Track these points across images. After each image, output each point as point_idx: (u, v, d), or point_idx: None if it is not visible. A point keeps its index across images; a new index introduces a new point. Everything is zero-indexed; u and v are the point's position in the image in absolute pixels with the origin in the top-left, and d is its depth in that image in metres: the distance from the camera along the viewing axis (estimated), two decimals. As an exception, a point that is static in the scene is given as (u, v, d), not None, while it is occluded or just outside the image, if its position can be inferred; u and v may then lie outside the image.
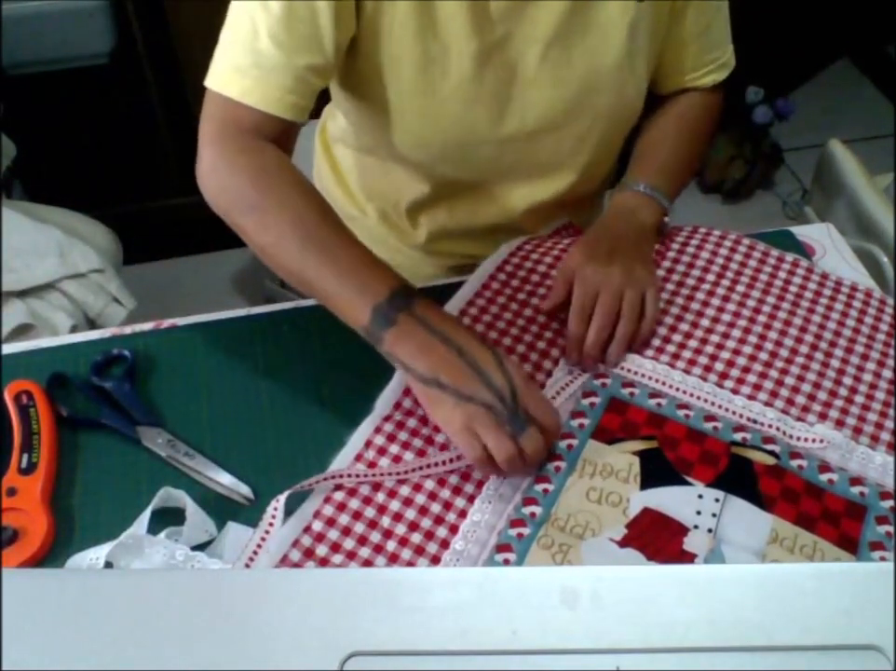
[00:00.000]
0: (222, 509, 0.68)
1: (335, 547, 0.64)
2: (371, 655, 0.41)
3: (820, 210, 1.41)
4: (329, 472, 0.68)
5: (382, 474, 0.68)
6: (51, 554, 0.65)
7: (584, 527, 0.65)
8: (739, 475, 0.69)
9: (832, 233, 0.94)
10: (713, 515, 0.66)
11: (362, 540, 0.65)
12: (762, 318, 0.81)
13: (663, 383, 0.75)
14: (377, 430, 0.71)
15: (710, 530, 0.65)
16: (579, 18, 0.79)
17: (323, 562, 0.63)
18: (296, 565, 0.63)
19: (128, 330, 0.83)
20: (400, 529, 0.65)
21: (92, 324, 1.28)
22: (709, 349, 0.78)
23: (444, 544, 0.65)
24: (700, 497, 0.67)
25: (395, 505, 0.67)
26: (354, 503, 0.67)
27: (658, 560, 0.63)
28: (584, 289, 0.78)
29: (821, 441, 0.71)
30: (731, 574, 0.46)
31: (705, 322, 0.80)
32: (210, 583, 0.46)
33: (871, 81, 2.56)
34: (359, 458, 0.69)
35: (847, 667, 0.41)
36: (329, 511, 0.66)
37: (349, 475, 0.68)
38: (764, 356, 0.78)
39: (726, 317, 0.81)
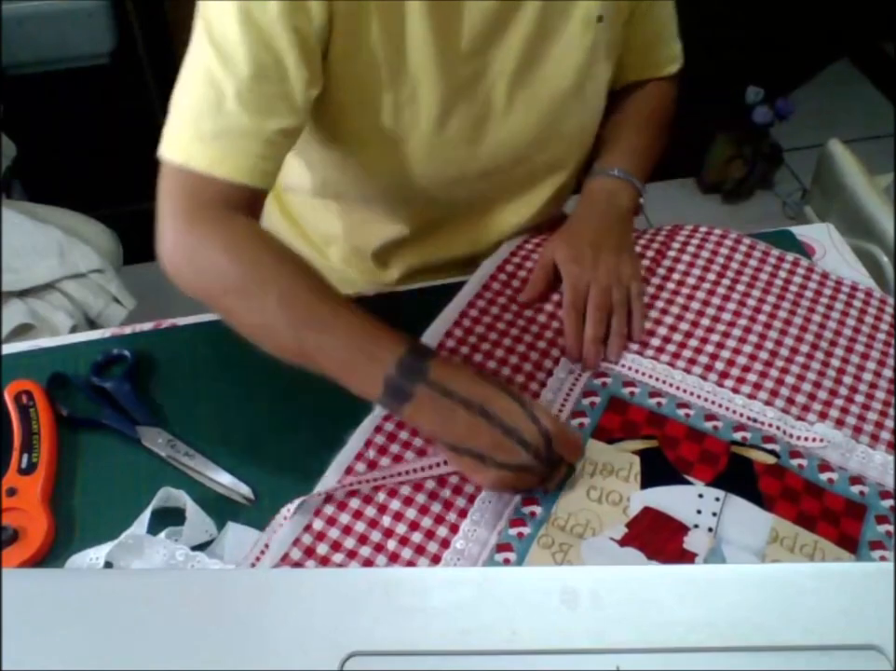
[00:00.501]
0: (222, 509, 0.68)
1: (336, 546, 0.64)
2: (371, 655, 0.41)
3: (820, 210, 1.41)
4: (337, 485, 0.67)
5: (384, 478, 0.68)
6: (51, 554, 0.65)
7: (584, 527, 0.65)
8: (740, 474, 0.69)
9: (832, 233, 0.94)
10: (714, 514, 0.66)
11: (363, 539, 0.65)
12: (762, 317, 0.81)
13: (663, 382, 0.76)
14: (378, 429, 0.71)
15: (710, 529, 0.65)
16: (540, 46, 0.78)
17: (324, 561, 0.63)
18: (297, 563, 0.63)
19: (128, 330, 0.83)
20: (401, 529, 0.65)
21: (92, 324, 1.28)
22: (709, 348, 0.78)
23: (445, 544, 0.65)
24: (701, 496, 0.67)
25: (395, 504, 0.67)
26: (355, 502, 0.67)
27: (658, 559, 0.63)
28: (574, 287, 0.79)
29: (822, 440, 0.71)
30: (731, 574, 0.46)
31: (705, 322, 0.80)
32: (211, 583, 0.46)
33: (871, 81, 2.56)
34: (359, 457, 0.69)
35: (847, 667, 0.41)
36: (330, 510, 0.66)
37: (359, 483, 0.67)
38: (764, 355, 0.78)
39: (726, 316, 0.81)
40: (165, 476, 0.70)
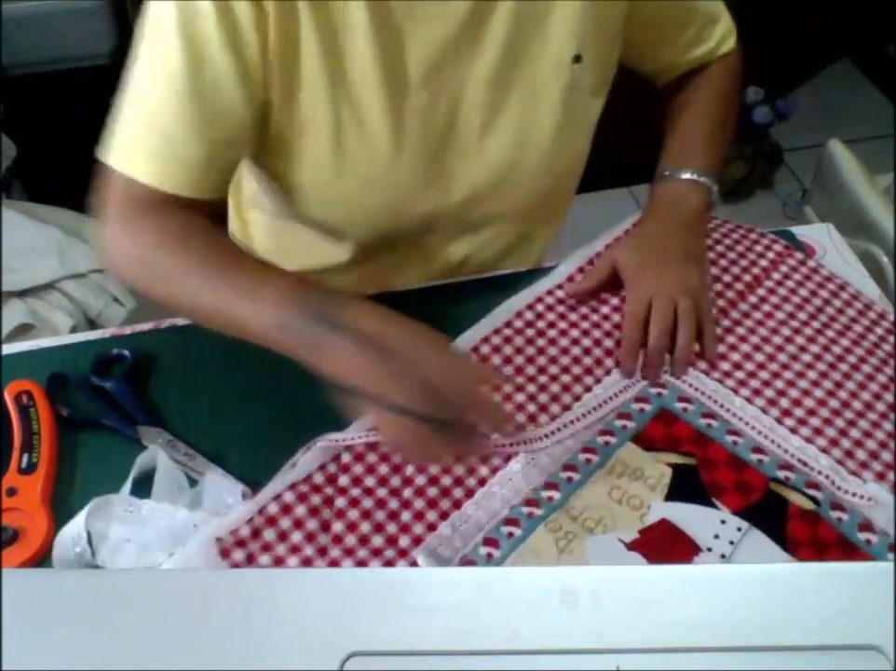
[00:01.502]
0: (222, 509, 0.68)
1: (342, 491, 0.67)
2: (371, 655, 0.41)
3: (820, 210, 1.41)
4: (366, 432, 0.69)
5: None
6: (51, 555, 0.65)
7: (596, 522, 0.65)
8: (771, 512, 0.67)
9: (832, 233, 0.94)
10: (731, 543, 0.65)
11: (383, 482, 0.68)
12: (844, 367, 0.77)
13: (721, 405, 0.74)
14: None
15: (723, 556, 0.64)
16: (508, 82, 0.75)
17: (322, 508, 0.66)
18: (287, 506, 0.66)
19: (128, 330, 0.83)
20: (421, 480, 0.68)
21: (92, 324, 1.28)
22: (779, 383, 0.76)
23: (457, 504, 0.66)
24: (723, 522, 0.66)
25: (410, 469, 0.69)
26: (371, 457, 0.69)
27: None
28: (637, 296, 0.78)
29: (870, 499, 0.68)
30: (731, 574, 0.46)
31: (783, 358, 0.78)
32: (211, 583, 0.46)
33: (871, 81, 2.56)
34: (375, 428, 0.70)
35: (847, 667, 0.41)
36: (347, 458, 0.69)
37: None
38: (835, 404, 0.75)
39: (806, 357, 0.78)
40: (165, 476, 0.70)
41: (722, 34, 0.89)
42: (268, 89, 0.70)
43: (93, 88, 1.73)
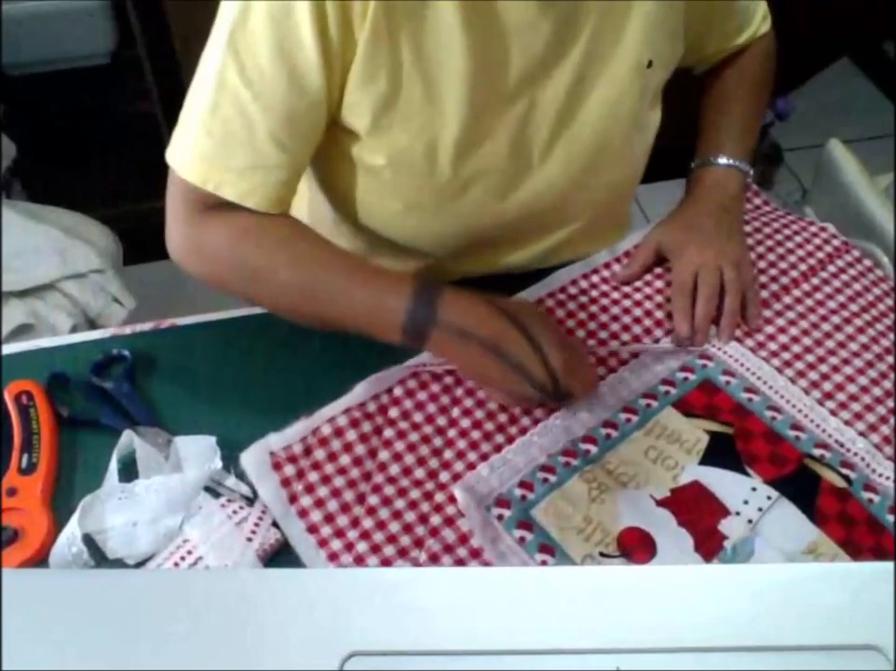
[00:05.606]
0: (222, 509, 0.68)
1: (392, 422, 0.71)
2: (371, 655, 0.41)
3: (820, 210, 1.41)
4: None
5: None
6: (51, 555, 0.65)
7: (630, 478, 0.67)
8: (802, 485, 0.68)
9: (832, 233, 0.94)
10: (759, 510, 0.66)
11: (430, 420, 0.71)
12: (890, 358, 0.79)
13: (764, 382, 0.75)
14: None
15: (749, 521, 0.65)
16: (581, 94, 0.75)
17: (371, 435, 0.70)
18: (339, 429, 0.69)
19: (128, 330, 0.83)
20: (465, 423, 0.70)
21: (92, 324, 1.28)
22: (824, 368, 0.77)
23: (498, 449, 0.69)
24: (754, 489, 0.67)
25: (469, 402, 0.72)
26: (421, 395, 0.73)
27: (688, 529, 0.64)
28: (683, 268, 0.81)
29: None
30: (731, 575, 0.46)
31: (830, 344, 0.79)
32: (211, 583, 0.46)
33: (871, 81, 2.56)
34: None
35: (847, 667, 0.41)
36: (399, 391, 0.72)
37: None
38: (878, 392, 0.76)
39: (853, 346, 0.79)
40: (165, 476, 0.69)
41: (761, 17, 0.90)
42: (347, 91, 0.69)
43: (93, 88, 1.74)
